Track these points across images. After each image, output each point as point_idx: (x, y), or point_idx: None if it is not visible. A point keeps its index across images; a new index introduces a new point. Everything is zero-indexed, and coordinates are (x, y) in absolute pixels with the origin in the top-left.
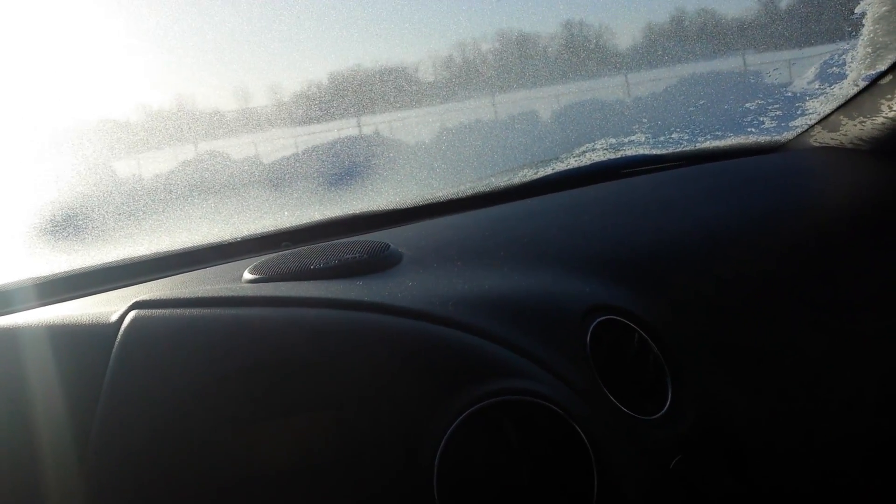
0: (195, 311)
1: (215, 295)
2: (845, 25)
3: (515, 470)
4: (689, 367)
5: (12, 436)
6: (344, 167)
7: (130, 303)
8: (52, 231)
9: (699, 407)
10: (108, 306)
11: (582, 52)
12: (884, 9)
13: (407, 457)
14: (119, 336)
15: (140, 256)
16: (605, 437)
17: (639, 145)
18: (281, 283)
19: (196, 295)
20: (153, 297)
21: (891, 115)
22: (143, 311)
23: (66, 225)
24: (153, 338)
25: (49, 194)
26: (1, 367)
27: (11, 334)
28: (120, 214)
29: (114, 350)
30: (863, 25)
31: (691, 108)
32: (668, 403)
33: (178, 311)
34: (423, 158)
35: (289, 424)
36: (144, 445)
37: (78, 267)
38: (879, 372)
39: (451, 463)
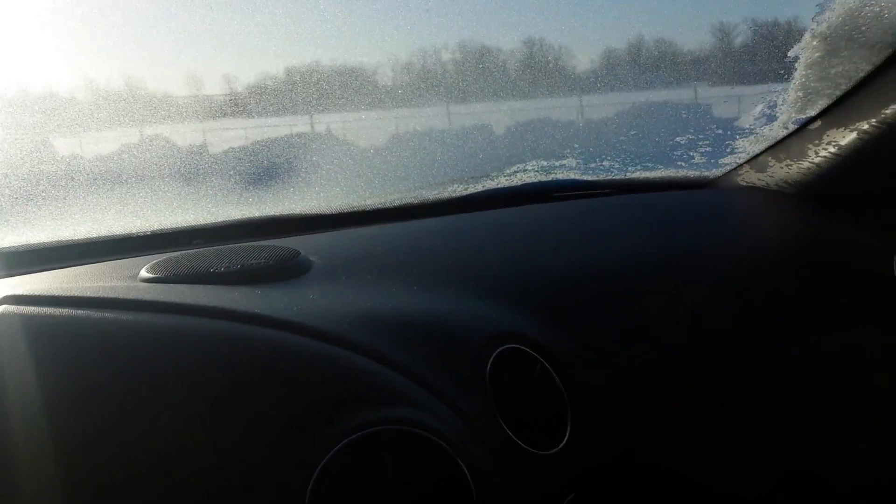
0: (71, 312)
1: (96, 295)
2: (778, 68)
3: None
4: (593, 402)
5: None
6: (265, 166)
7: (1, 296)
8: None
9: (598, 444)
10: None
11: (520, 73)
12: (816, 55)
13: (280, 482)
14: None
15: (31, 244)
16: (492, 472)
17: (570, 170)
18: (176, 286)
19: (76, 293)
20: (27, 293)
21: (816, 160)
22: (11, 307)
23: None
24: (17, 337)
25: None
26: None
27: None
28: (16, 198)
29: None
30: (795, 69)
31: (622, 138)
32: (565, 438)
33: (51, 310)
34: (350, 165)
35: (154, 440)
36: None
37: None
38: (792, 411)
39: (325, 493)
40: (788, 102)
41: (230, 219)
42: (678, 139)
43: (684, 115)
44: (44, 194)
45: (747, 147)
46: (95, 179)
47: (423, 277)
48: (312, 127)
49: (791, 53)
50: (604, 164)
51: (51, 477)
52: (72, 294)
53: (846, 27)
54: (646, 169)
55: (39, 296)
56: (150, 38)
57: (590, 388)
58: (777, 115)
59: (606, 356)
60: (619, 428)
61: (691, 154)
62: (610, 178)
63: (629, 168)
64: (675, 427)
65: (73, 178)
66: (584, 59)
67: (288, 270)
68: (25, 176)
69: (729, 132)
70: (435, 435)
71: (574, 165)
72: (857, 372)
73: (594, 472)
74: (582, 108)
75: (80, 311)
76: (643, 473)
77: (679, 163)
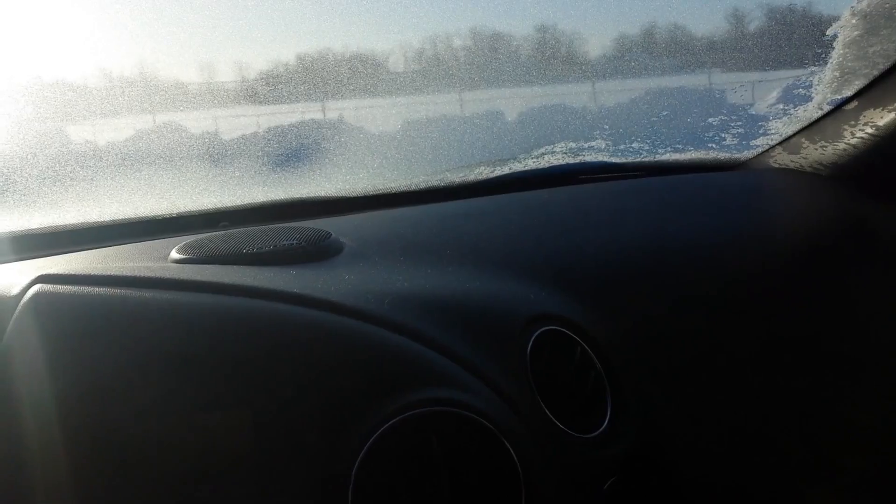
0: (105, 291)
1: (130, 275)
2: (815, 48)
3: (438, 485)
4: (631, 385)
5: None
6: (294, 149)
7: (35, 276)
8: None
9: (638, 428)
10: (15, 278)
11: (549, 54)
12: (855, 33)
13: (324, 464)
14: (17, 311)
15: (62, 225)
16: (536, 454)
17: (598, 151)
18: (209, 266)
19: (111, 272)
20: (62, 272)
21: (853, 141)
22: (47, 287)
23: None
24: (55, 316)
25: None
26: None
27: None
28: (45, 179)
29: (9, 326)
30: (832, 49)
31: (654, 119)
32: (606, 422)
33: (87, 289)
34: (378, 147)
35: (200, 420)
36: (32, 430)
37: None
38: (825, 403)
39: (370, 474)
40: (824, 83)
41: (257, 201)
42: (710, 120)
43: (717, 96)
44: (71, 175)
45: (780, 128)
46: (124, 160)
47: (456, 259)
48: (340, 113)
49: (829, 32)
50: (633, 145)
51: (88, 456)
52: (106, 273)
53: (887, 5)
54: (676, 151)
55: (74, 275)
56: (178, 23)
57: (627, 371)
58: (812, 95)
59: (641, 339)
60: (658, 415)
61: (723, 135)
62: (639, 160)
63: (659, 150)
64: (708, 410)
65: (101, 159)
66: (617, 40)
67: (320, 252)
68: (53, 156)
69: (761, 113)
70: (481, 416)
71: (603, 147)
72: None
73: (634, 456)
74: (612, 89)
75: (115, 290)
76: (679, 459)
77: (710, 144)
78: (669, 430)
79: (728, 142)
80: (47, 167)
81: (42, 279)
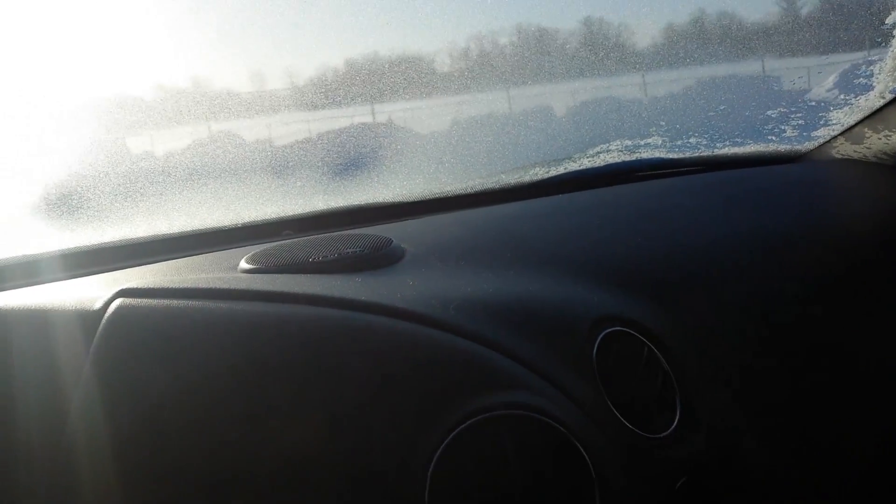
0: (184, 303)
1: (207, 286)
2: (875, 35)
3: (512, 487)
4: (698, 386)
5: None
6: (350, 156)
7: (116, 290)
8: (45, 209)
9: (706, 428)
10: (96, 291)
11: (601, 50)
12: None
13: (399, 467)
14: (102, 324)
15: (134, 239)
16: (608, 455)
17: (655, 148)
18: (278, 276)
19: (186, 285)
20: (140, 286)
21: None
22: (128, 300)
23: (61, 203)
24: (137, 328)
25: (44, 172)
26: None
27: None
28: (116, 195)
29: (95, 338)
30: (893, 36)
31: (711, 113)
32: (675, 423)
33: (166, 301)
34: (433, 151)
35: (275, 426)
36: (118, 440)
37: (68, 247)
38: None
39: (445, 477)
40: (885, 71)
41: (317, 209)
42: (769, 112)
43: (774, 87)
44: (141, 190)
45: (841, 118)
46: (191, 174)
47: (516, 261)
48: (394, 118)
49: (889, 20)
50: (690, 140)
51: (170, 463)
52: (185, 286)
53: None
54: (735, 144)
55: (153, 288)
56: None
57: (694, 371)
58: (873, 84)
59: (707, 339)
60: (726, 415)
61: (782, 127)
62: (697, 155)
63: (717, 144)
64: (775, 410)
65: (169, 174)
66: (672, 33)
67: (383, 258)
68: (124, 173)
69: (822, 103)
70: (554, 420)
71: (660, 143)
72: None
73: (704, 457)
74: (667, 85)
75: (194, 303)
76: (748, 460)
77: (769, 137)
78: (737, 430)
79: (788, 133)
80: (119, 184)
81: (123, 293)
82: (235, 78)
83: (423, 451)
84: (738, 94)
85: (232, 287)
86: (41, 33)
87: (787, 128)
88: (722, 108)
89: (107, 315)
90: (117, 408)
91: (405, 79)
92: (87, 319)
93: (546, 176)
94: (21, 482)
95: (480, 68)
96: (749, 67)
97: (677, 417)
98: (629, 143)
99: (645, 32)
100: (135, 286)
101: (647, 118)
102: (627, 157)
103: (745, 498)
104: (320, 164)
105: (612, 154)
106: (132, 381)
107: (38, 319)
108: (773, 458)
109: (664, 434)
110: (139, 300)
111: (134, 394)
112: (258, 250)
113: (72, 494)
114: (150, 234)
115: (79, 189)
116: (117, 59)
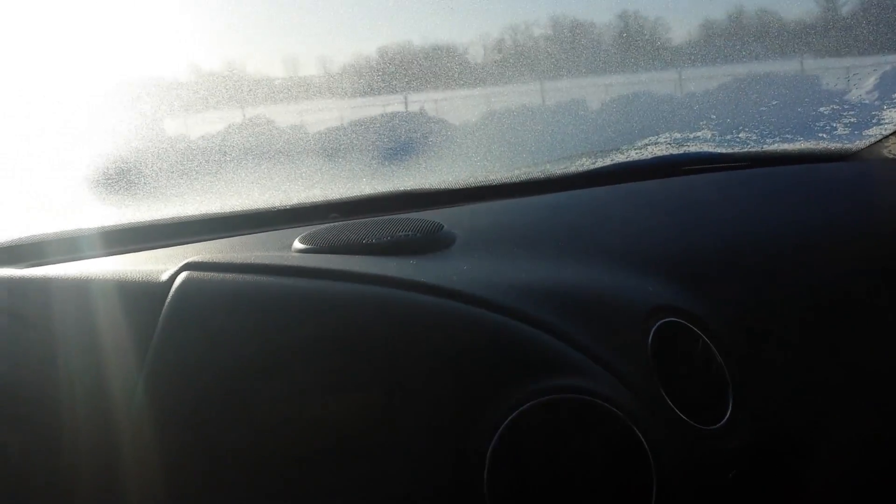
0: (248, 278)
1: (271, 262)
2: None
3: (569, 471)
4: (750, 379)
5: (54, 389)
6: (397, 142)
7: (182, 263)
8: (104, 184)
9: (758, 421)
10: (158, 264)
11: (652, 42)
12: None
13: (458, 448)
14: (170, 296)
15: (190, 216)
16: (664, 443)
17: (704, 142)
18: (332, 256)
19: (250, 261)
20: (205, 260)
21: None
22: (194, 273)
23: (119, 179)
24: (203, 301)
25: (104, 148)
26: (46, 316)
27: (59, 284)
28: (172, 172)
29: (164, 310)
30: None
31: (762, 108)
32: (727, 415)
33: (231, 275)
34: (479, 139)
35: (335, 402)
36: (187, 409)
37: (128, 222)
38: None
39: (503, 458)
40: None
41: (363, 193)
42: (821, 109)
43: (828, 84)
44: (197, 169)
45: (894, 117)
46: (245, 154)
47: (568, 250)
48: (440, 105)
49: None
50: (740, 135)
51: (236, 435)
52: (249, 261)
53: None
54: (784, 141)
55: (219, 262)
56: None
57: (747, 364)
58: None
59: (759, 332)
60: (777, 409)
61: (834, 125)
62: (746, 150)
63: (767, 140)
64: (827, 404)
65: (225, 153)
66: (728, 26)
67: (435, 242)
68: (182, 151)
69: (875, 102)
70: (612, 405)
71: (709, 137)
72: None
73: (756, 449)
74: (721, 77)
75: (256, 277)
76: (800, 453)
77: (820, 134)
78: (790, 424)
79: (839, 131)
80: (176, 161)
81: (190, 266)
82: (278, 64)
83: (482, 433)
84: (792, 90)
85: (295, 264)
86: (109, 12)
87: (838, 125)
88: (774, 103)
89: (174, 287)
90: (186, 378)
91: (453, 67)
92: (154, 291)
93: (592, 167)
94: (89, 454)
95: (529, 58)
96: (804, 64)
97: (729, 410)
98: (678, 135)
99: (699, 25)
100: (200, 260)
101: (699, 111)
102: (675, 151)
103: (798, 491)
104: (367, 148)
105: (660, 147)
106: (199, 354)
107: (104, 290)
108: (826, 452)
109: (716, 426)
110: (205, 273)
111: (202, 364)
112: (310, 231)
113: (141, 466)
114: (205, 212)
115: (137, 165)
116: (178, 40)
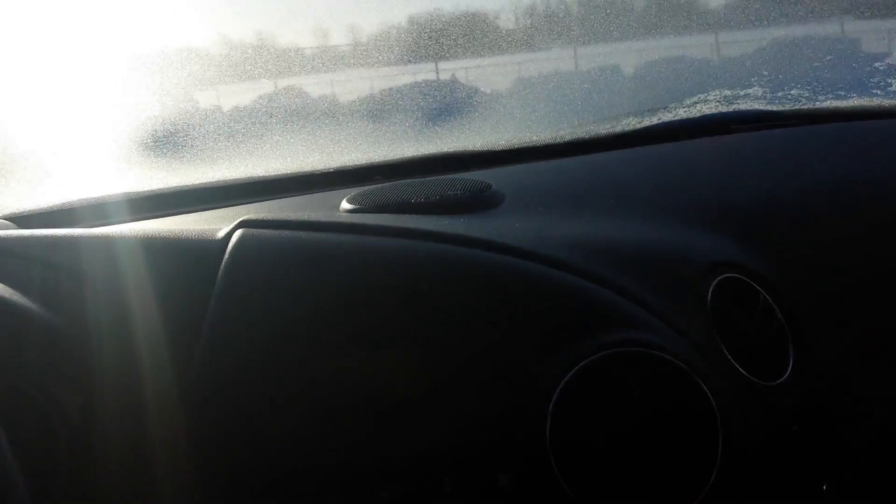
0: (303, 234)
1: (325, 220)
2: None
3: (634, 424)
4: (810, 335)
5: (115, 348)
6: (442, 105)
7: (237, 221)
8: (152, 147)
9: (819, 378)
10: (212, 224)
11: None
12: None
13: (518, 403)
14: (227, 253)
15: (238, 178)
16: (729, 398)
17: (755, 99)
18: (383, 215)
19: (303, 218)
20: (260, 217)
21: None
22: (250, 231)
23: (167, 142)
24: (260, 257)
25: (152, 110)
26: (104, 274)
27: (116, 243)
28: (219, 135)
29: (222, 267)
30: None
31: (816, 64)
32: (788, 371)
33: (286, 232)
34: (524, 100)
35: (394, 355)
36: (248, 364)
37: (177, 184)
38: None
39: (566, 412)
40: None
41: (408, 156)
42: (877, 65)
43: (883, 41)
44: (244, 131)
45: None
46: (291, 115)
47: (620, 208)
48: (485, 68)
49: None
50: (792, 92)
51: (295, 391)
52: (303, 219)
53: None
54: (837, 98)
55: (273, 219)
56: None
57: (806, 321)
58: None
59: (818, 288)
60: (837, 367)
61: (889, 81)
62: (797, 108)
63: (819, 97)
64: (889, 363)
65: (271, 116)
66: None
67: (484, 201)
68: (229, 113)
69: None
70: (677, 359)
71: (760, 94)
72: None
73: (816, 406)
74: (775, 31)
75: (310, 234)
76: (859, 411)
77: (874, 90)
78: (851, 380)
79: (894, 87)
80: (223, 123)
81: (245, 223)
82: (327, 29)
83: (544, 388)
84: (846, 46)
85: (348, 221)
86: None
87: (893, 81)
88: (829, 58)
89: (231, 244)
90: (247, 330)
91: (497, 29)
92: (211, 249)
93: (639, 126)
94: (151, 411)
95: (575, 18)
96: (861, 21)
97: (790, 366)
98: (728, 93)
99: None
100: (255, 217)
101: (750, 68)
102: (725, 109)
103: (859, 448)
104: (411, 110)
105: (709, 105)
106: (257, 310)
107: (162, 249)
108: (888, 409)
109: (777, 382)
110: (260, 231)
111: (262, 317)
112: (358, 191)
113: (204, 421)
114: (252, 175)
115: (184, 128)
116: (224, 7)
